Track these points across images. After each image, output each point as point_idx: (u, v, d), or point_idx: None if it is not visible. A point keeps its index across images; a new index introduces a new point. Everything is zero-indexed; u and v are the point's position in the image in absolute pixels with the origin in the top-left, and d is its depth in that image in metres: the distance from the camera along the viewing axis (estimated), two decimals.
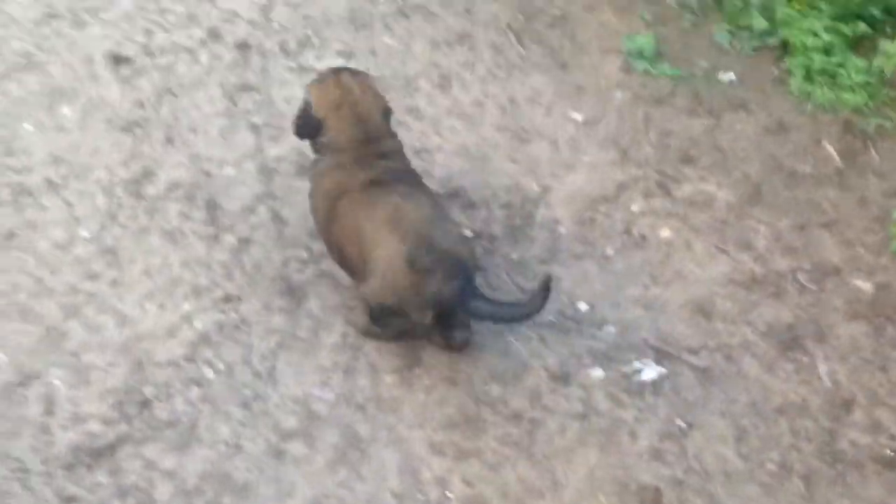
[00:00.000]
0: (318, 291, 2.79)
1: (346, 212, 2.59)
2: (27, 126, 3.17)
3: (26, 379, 2.44)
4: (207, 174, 3.12)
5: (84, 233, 2.86)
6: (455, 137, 3.42)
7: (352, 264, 2.61)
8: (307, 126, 2.76)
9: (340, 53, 3.75)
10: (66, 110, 3.26)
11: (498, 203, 3.17)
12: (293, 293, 2.78)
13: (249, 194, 3.07)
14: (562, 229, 3.11)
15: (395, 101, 3.53)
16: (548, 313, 2.81)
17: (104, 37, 3.61)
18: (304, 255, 2.90)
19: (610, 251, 3.07)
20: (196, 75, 3.52)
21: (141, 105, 3.35)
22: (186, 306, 2.69)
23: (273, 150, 3.26)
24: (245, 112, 3.40)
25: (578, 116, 3.58)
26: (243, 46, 3.70)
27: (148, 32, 3.67)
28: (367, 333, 2.63)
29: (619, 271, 3.00)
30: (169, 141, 3.22)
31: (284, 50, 3.72)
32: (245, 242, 2.91)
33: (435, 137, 3.41)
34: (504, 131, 3.47)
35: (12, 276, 2.69)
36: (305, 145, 2.94)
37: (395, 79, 3.66)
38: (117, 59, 3.51)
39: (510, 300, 2.69)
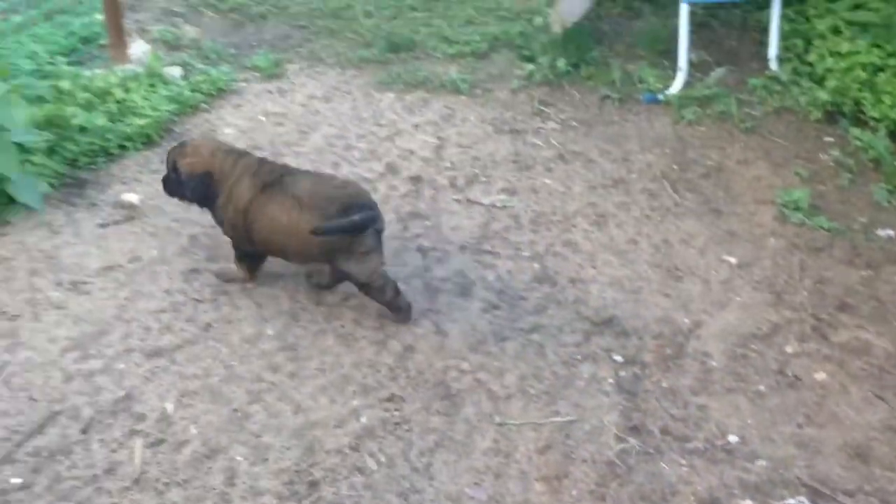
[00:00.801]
0: (474, 399, 3.01)
1: (258, 214, 3.19)
2: (228, 240, 3.66)
3: (212, 452, 2.75)
4: None
5: (269, 330, 3.24)
6: (609, 270, 3.66)
7: (281, 246, 3.22)
8: (195, 188, 3.30)
9: (504, 190, 4.14)
10: None
11: (650, 333, 3.35)
12: (451, 398, 3.01)
13: (416, 308, 3.39)
14: (713, 362, 3.23)
15: (554, 235, 3.86)
16: (696, 441, 2.91)
17: (297, 166, 4.15)
18: (464, 365, 3.15)
19: (762, 388, 3.14)
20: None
21: None
22: (355, 402, 2.97)
23: (438, 271, 3.59)
24: (415, 236, 3.79)
25: (732, 259, 3.76)
26: (416, 180, 4.16)
27: (335, 165, 4.21)
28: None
29: (771, 408, 3.06)
30: None
31: (453, 185, 4.15)
32: (409, 349, 3.20)
33: (590, 269, 3.66)
34: (657, 268, 3.69)
35: (207, 363, 3.08)
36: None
37: (554, 214, 3.98)
38: None
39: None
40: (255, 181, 3.22)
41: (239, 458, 2.75)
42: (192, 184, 3.28)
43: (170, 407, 2.90)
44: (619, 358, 3.23)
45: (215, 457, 2.75)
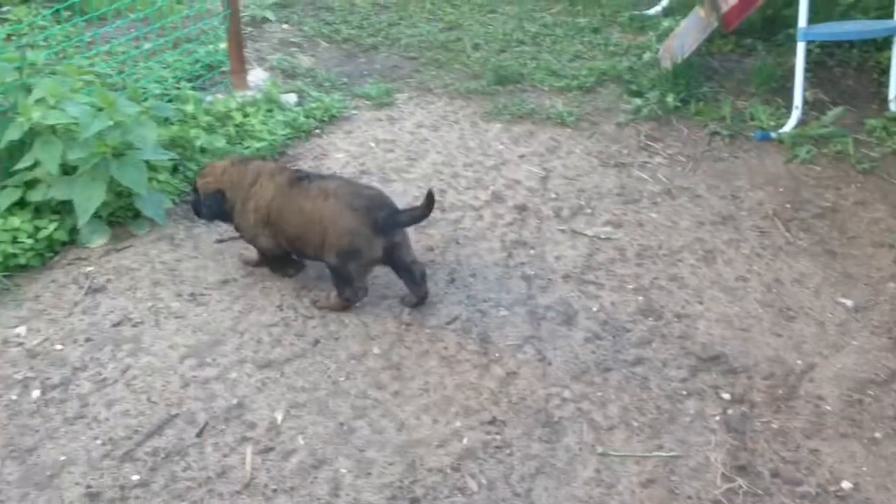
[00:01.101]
0: (576, 428, 3.01)
1: (285, 207, 3.40)
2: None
3: (318, 463, 2.84)
4: (482, 313, 3.53)
5: (375, 349, 3.32)
6: (717, 307, 3.62)
7: (304, 243, 3.42)
8: (211, 205, 3.55)
9: (609, 222, 4.15)
10: None
11: (759, 373, 3.28)
12: (552, 426, 3.02)
13: (518, 334, 3.42)
14: (827, 406, 3.15)
15: (660, 269, 3.84)
16: (808, 485, 2.83)
17: (405, 192, 4.28)
18: (566, 393, 3.16)
19: (878, 434, 3.04)
20: (479, 230, 4.05)
21: (431, 249, 3.89)
22: (457, 423, 3.01)
23: (542, 299, 3.62)
24: (519, 264, 3.83)
25: (848, 302, 3.66)
26: (522, 209, 4.21)
27: (442, 192, 4.30)
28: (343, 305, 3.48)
29: (888, 456, 2.96)
30: (452, 281, 3.70)
31: (558, 215, 4.19)
32: (512, 375, 3.24)
33: (697, 305, 3.63)
34: (768, 307, 3.62)
35: (314, 377, 3.18)
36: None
37: (660, 249, 3.97)
38: None
39: (414, 207, 3.49)
40: (278, 180, 3.45)
41: (343, 470, 2.82)
42: (207, 202, 3.55)
43: (279, 417, 3.00)
44: (726, 396, 3.19)
45: (321, 467, 2.83)
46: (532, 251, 3.93)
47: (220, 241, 3.86)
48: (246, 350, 3.28)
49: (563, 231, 4.08)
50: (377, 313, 3.50)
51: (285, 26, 6.05)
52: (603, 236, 4.06)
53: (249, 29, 5.90)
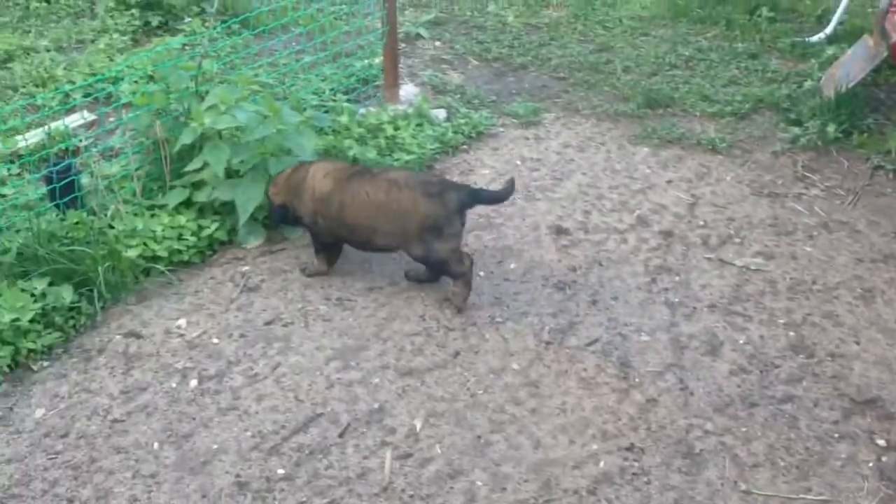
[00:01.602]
0: (718, 462, 2.94)
1: (348, 199, 3.61)
2: (480, 273, 3.86)
3: (455, 473, 2.89)
4: (623, 337, 3.51)
5: (514, 365, 3.36)
6: (875, 348, 3.45)
7: (370, 231, 3.63)
8: (281, 218, 3.85)
9: (760, 253, 4.04)
10: (512, 265, 3.92)
11: None
12: (693, 457, 2.96)
13: (660, 361, 3.38)
14: None
15: (813, 305, 3.70)
16: None
17: (549, 211, 4.31)
18: (708, 425, 3.09)
19: None
20: (622, 253, 4.02)
21: (573, 270, 3.90)
22: (594, 446, 3.00)
23: (686, 327, 3.56)
24: (663, 290, 3.78)
25: None
26: (667, 234, 4.16)
27: (586, 213, 4.31)
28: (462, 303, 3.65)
29: None
30: (593, 303, 3.69)
31: (706, 243, 4.10)
32: (652, 402, 3.20)
33: (853, 345, 3.47)
34: None
35: (454, 388, 3.25)
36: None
37: (815, 284, 3.82)
38: (559, 231, 4.16)
39: (496, 189, 3.91)
40: (336, 174, 3.68)
41: (479, 482, 2.86)
42: (274, 213, 3.85)
43: (418, 424, 3.08)
44: (881, 442, 3.03)
45: (457, 478, 2.88)
46: (677, 278, 3.86)
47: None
48: (388, 357, 3.38)
49: (710, 259, 3.99)
50: (517, 329, 3.53)
51: (437, 43, 6.21)
52: (753, 267, 3.95)
53: (403, 45, 6.09)
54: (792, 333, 3.54)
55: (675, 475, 2.90)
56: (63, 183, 3.92)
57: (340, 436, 3.03)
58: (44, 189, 3.96)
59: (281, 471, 2.90)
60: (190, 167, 4.03)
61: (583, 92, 5.57)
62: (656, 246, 4.08)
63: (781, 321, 3.61)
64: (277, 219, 3.88)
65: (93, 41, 5.88)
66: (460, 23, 6.51)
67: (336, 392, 3.21)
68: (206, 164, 3.99)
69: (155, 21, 6.08)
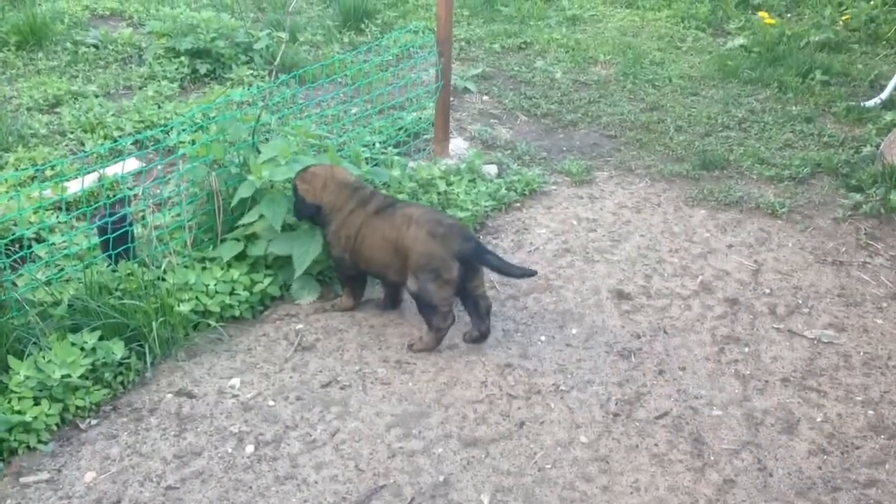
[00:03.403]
0: None
1: (368, 233, 3.67)
2: (541, 338, 3.75)
3: None
4: (694, 410, 3.38)
5: (582, 437, 3.23)
6: None
7: (383, 266, 3.69)
8: (304, 211, 3.80)
9: (830, 325, 3.91)
10: (573, 330, 3.81)
11: None
12: None
13: (735, 438, 3.24)
14: None
15: (890, 381, 3.55)
16: None
17: (609, 274, 4.21)
18: None
19: None
20: (687, 320, 3.90)
21: (637, 336, 3.78)
22: None
23: (759, 402, 3.43)
24: (732, 361, 3.65)
25: None
26: (733, 302, 4.04)
27: (647, 277, 4.20)
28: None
29: None
30: (660, 373, 3.57)
31: (773, 312, 3.98)
32: (730, 483, 3.05)
33: None
34: None
35: (520, 461, 3.12)
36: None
37: (890, 359, 3.69)
38: (620, 295, 4.05)
39: (510, 263, 3.80)
40: (367, 208, 3.71)
41: None
42: (301, 208, 3.80)
43: (485, 500, 2.95)
44: None
45: None
46: (746, 349, 3.74)
47: None
48: (451, 425, 3.26)
49: (778, 330, 3.87)
50: (582, 399, 3.41)
51: (485, 98, 6.18)
52: (825, 340, 3.82)
53: (451, 99, 6.06)
54: (871, 412, 3.40)
55: None
56: (118, 233, 3.86)
57: None
58: (97, 239, 3.91)
59: None
60: (245, 220, 3.97)
61: (634, 151, 5.50)
62: (722, 314, 3.96)
63: (859, 398, 3.47)
64: (305, 215, 3.83)
65: (141, 88, 5.89)
66: (508, 77, 6.49)
67: (398, 462, 3.09)
68: (261, 217, 3.93)
69: (203, 69, 6.09)
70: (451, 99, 6.01)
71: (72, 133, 5.23)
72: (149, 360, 3.50)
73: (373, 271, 3.79)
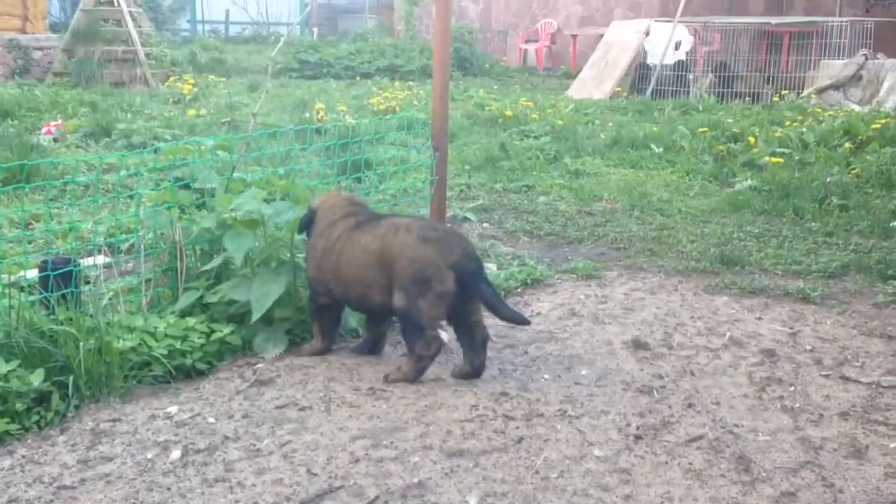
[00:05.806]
0: None
1: (347, 247, 3.21)
2: (545, 375, 3.19)
3: None
4: (735, 436, 2.75)
5: (597, 452, 2.60)
6: None
7: (364, 286, 3.17)
8: (304, 217, 3.40)
9: (889, 373, 3.33)
10: (583, 371, 3.25)
11: None
12: None
13: (789, 459, 2.60)
14: None
15: None
16: None
17: (622, 332, 3.70)
18: None
19: None
20: (718, 366, 3.35)
21: (659, 377, 3.22)
22: None
23: (814, 431, 2.81)
24: (777, 398, 3.06)
25: None
26: (770, 353, 3.50)
27: (667, 334, 3.69)
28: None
29: None
30: (690, 406, 2.97)
31: (819, 363, 3.43)
32: (789, 496, 2.39)
33: None
34: None
35: (518, 471, 2.47)
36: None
37: None
38: (637, 345, 3.52)
39: (507, 304, 3.38)
40: (350, 221, 3.28)
41: None
42: (304, 215, 3.42)
43: (472, 501, 2.29)
44: None
45: None
46: (791, 388, 3.15)
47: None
48: (432, 438, 2.64)
49: (827, 377, 3.29)
50: (595, 424, 2.81)
51: (486, 224, 5.93)
52: (885, 384, 3.23)
53: (449, 224, 5.82)
54: None
55: None
56: (58, 272, 3.43)
57: None
58: (36, 275, 3.48)
59: None
60: (209, 265, 3.57)
61: (646, 258, 5.13)
62: (759, 361, 3.41)
63: None
64: (303, 223, 3.43)
65: None
66: (509, 209, 6.28)
67: (362, 467, 2.46)
68: (225, 261, 3.54)
69: None
70: (450, 225, 5.77)
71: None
72: (72, 396, 2.90)
73: (353, 297, 3.26)
